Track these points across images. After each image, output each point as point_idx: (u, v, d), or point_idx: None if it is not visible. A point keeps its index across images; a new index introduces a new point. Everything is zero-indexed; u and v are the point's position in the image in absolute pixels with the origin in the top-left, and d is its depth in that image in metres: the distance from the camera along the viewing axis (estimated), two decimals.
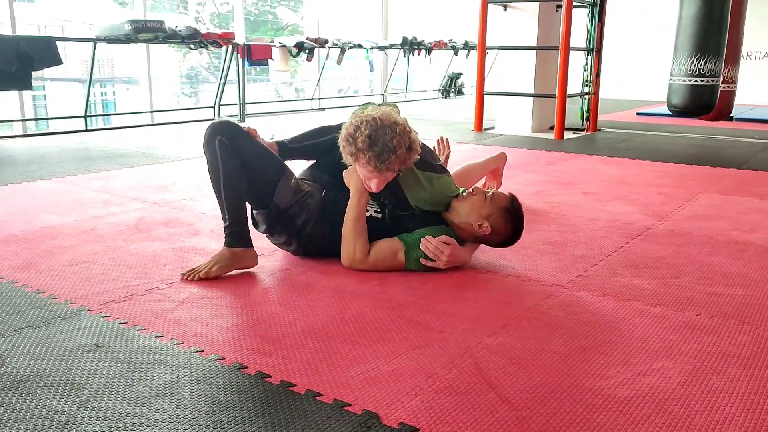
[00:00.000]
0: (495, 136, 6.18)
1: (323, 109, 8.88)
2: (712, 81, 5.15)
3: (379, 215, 2.33)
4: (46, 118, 8.70)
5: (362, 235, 2.25)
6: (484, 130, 6.59)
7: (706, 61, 5.05)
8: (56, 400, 1.42)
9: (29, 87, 5.42)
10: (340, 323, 1.84)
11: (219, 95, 7.54)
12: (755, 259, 2.48)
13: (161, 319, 1.86)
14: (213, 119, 7.39)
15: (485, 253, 2.46)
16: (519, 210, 2.31)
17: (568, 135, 6.21)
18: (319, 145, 2.44)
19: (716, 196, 3.58)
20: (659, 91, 7.90)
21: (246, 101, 7.52)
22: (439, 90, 11.32)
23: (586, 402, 1.45)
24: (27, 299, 1.99)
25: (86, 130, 6.21)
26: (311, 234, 2.32)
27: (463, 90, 11.52)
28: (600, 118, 7.02)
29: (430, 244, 2.22)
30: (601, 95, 6.89)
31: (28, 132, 6.19)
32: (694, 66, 5.10)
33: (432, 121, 7.38)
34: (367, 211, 2.31)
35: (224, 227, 2.24)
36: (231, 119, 2.46)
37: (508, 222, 2.29)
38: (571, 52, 5.92)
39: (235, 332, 1.78)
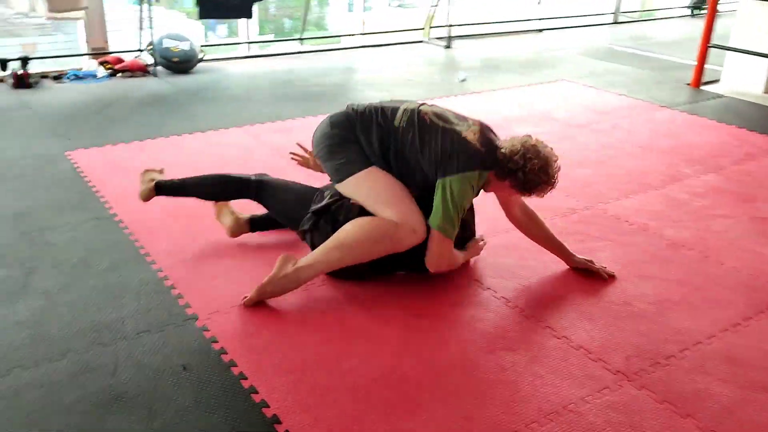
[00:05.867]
0: (715, 97, 5.48)
1: (541, 31, 8.45)
2: None
3: None
4: None
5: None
6: (704, 84, 5.84)
7: None
8: None
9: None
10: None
11: None
12: None
13: None
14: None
15: (562, 311, 2.44)
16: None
17: None
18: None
19: None
20: None
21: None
22: (688, 6, 10.01)
23: None
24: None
25: None
26: None
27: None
28: None
29: None
30: None
31: None
32: None
33: (641, 59, 6.70)
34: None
35: None
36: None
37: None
38: None
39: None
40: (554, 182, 2.43)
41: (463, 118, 2.50)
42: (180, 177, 2.82)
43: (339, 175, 2.47)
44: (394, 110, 2.49)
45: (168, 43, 5.57)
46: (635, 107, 5.14)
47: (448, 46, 7.18)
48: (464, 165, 2.35)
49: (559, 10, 9.50)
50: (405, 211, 2.37)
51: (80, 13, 5.25)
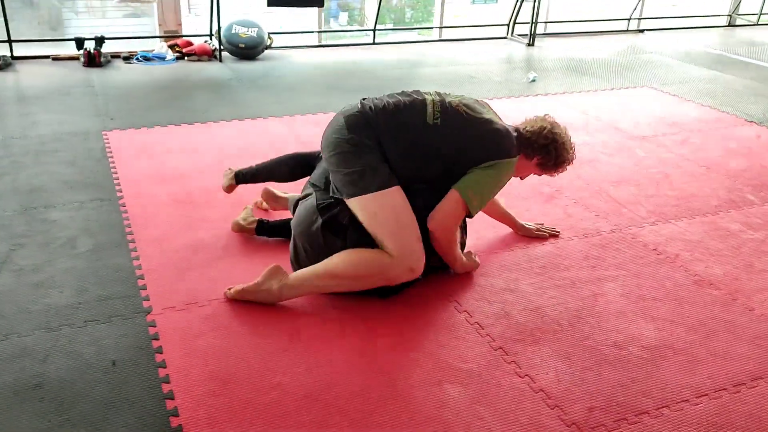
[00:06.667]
0: None
1: (642, 31, 7.86)
2: None
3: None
4: None
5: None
6: None
7: None
8: None
9: None
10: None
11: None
12: None
13: None
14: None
15: (537, 345, 2.17)
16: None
17: None
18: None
19: None
20: None
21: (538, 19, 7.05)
22: None
23: None
24: None
25: None
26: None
27: None
28: None
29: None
30: None
31: None
32: None
33: (745, 67, 6.04)
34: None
35: None
36: None
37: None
38: None
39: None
40: (574, 158, 2.52)
41: (481, 103, 2.46)
42: (256, 163, 2.87)
43: (348, 190, 2.26)
44: (422, 106, 2.33)
45: (236, 29, 5.63)
46: (717, 120, 4.63)
47: (530, 44, 6.82)
48: (511, 151, 2.36)
49: (666, 10, 8.82)
50: (406, 247, 2.22)
51: None
